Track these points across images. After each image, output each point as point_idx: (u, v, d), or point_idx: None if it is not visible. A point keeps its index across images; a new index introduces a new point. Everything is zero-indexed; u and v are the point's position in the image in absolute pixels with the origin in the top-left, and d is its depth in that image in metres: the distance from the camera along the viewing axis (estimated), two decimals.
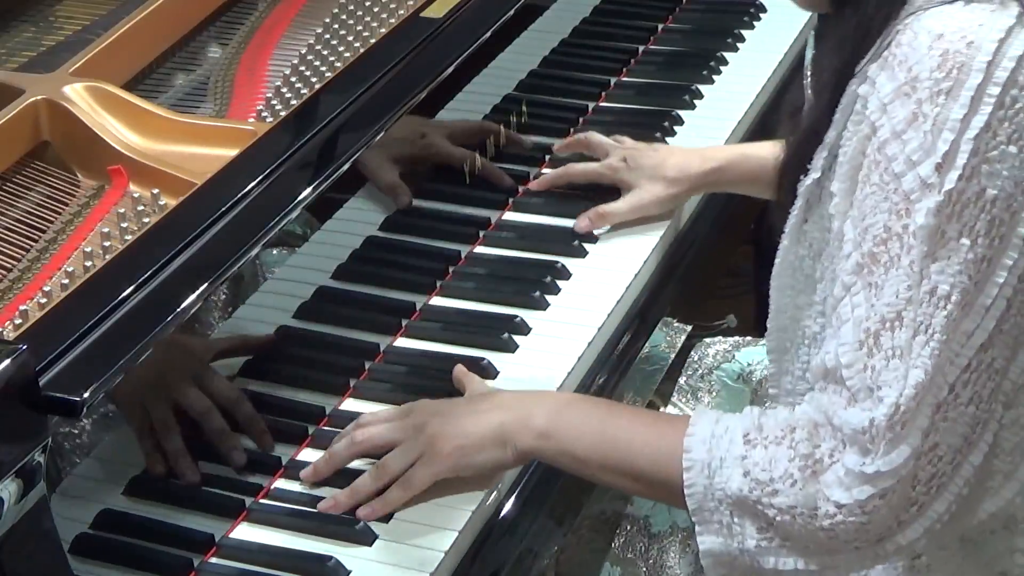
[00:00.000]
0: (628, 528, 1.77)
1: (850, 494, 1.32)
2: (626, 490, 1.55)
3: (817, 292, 1.45)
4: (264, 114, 1.80)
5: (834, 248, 1.38)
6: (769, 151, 1.81)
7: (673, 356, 1.93)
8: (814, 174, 1.43)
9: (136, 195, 1.64)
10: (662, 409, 1.90)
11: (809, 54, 1.55)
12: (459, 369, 1.67)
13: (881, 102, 1.32)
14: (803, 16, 2.46)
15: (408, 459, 1.51)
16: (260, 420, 1.58)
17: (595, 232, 1.95)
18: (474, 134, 2.01)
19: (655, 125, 2.16)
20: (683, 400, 1.90)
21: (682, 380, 1.94)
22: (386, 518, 1.52)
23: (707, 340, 1.98)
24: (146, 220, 1.60)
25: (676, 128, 2.18)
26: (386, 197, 1.86)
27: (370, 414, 1.59)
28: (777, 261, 1.51)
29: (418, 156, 1.92)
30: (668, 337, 1.94)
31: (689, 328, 2.00)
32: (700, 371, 1.94)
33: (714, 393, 1.91)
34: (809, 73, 1.52)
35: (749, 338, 1.98)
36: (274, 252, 1.66)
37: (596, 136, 2.05)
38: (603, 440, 1.47)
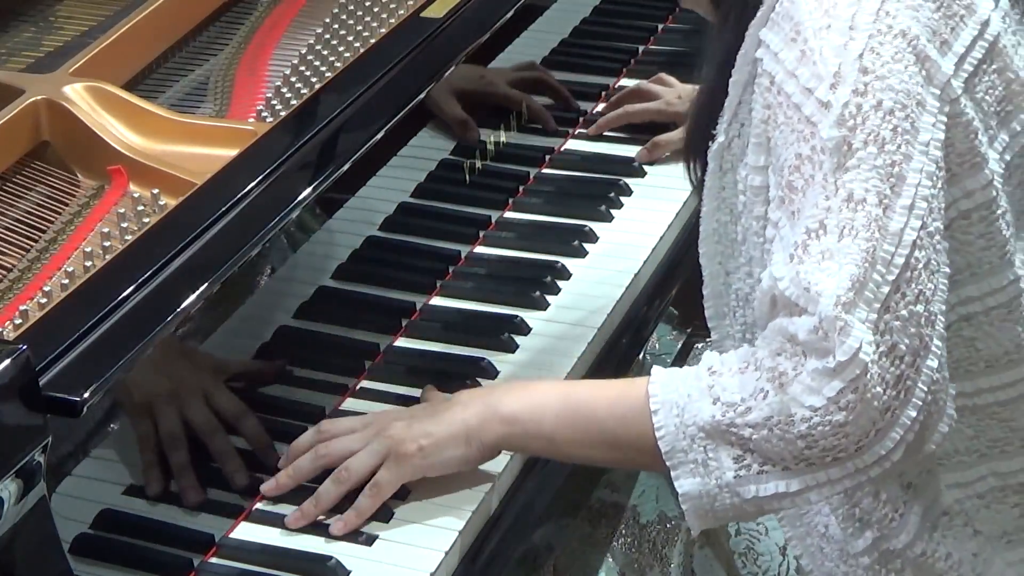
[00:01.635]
0: (617, 518, 1.77)
1: (821, 395, 1.32)
2: (600, 462, 1.54)
3: (741, 254, 1.48)
4: (264, 114, 1.80)
5: (751, 203, 1.44)
6: None
7: (673, 356, 1.93)
8: (720, 138, 1.49)
9: (136, 195, 1.65)
10: None
11: None
12: (426, 389, 1.65)
13: (773, 53, 1.40)
14: None
15: (371, 463, 1.50)
16: (266, 436, 1.57)
17: (626, 181, 2.03)
18: (523, 76, 2.10)
19: (655, 125, 2.16)
20: None
21: None
22: (386, 518, 1.52)
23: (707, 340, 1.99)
24: (146, 220, 1.60)
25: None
26: (384, 197, 1.86)
27: (329, 421, 1.58)
28: (701, 228, 1.55)
29: (479, 93, 2.00)
30: (668, 337, 1.94)
31: (689, 329, 2.00)
32: None
33: None
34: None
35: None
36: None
37: (647, 84, 2.17)
38: (568, 412, 1.46)
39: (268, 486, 1.54)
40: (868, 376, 1.31)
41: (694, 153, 1.56)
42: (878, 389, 1.32)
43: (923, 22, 1.40)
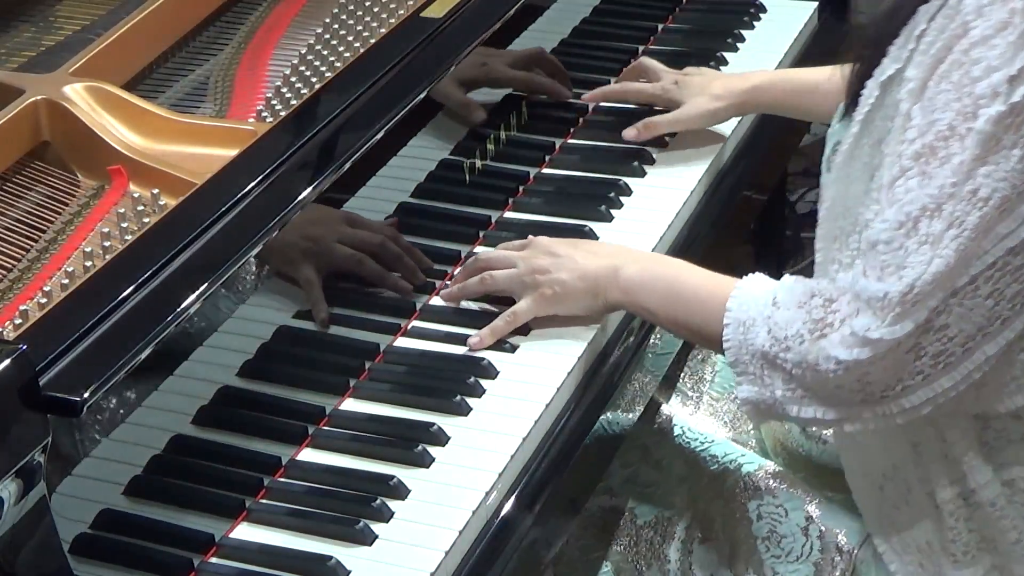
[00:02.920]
0: (616, 521, 1.79)
1: (850, 352, 1.44)
2: (687, 339, 1.75)
3: (873, 180, 1.49)
4: (264, 114, 1.80)
5: (897, 129, 1.45)
6: (810, 76, 2.02)
7: (675, 353, 1.93)
8: (895, 64, 1.48)
9: (136, 195, 1.65)
10: (663, 405, 1.91)
11: None
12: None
13: (979, 4, 1.39)
14: (803, 16, 2.47)
15: (511, 285, 1.76)
16: (411, 254, 1.81)
17: (626, 181, 2.05)
18: (528, 58, 2.12)
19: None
20: (684, 399, 1.90)
21: (683, 379, 1.95)
22: (386, 517, 1.52)
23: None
24: (146, 220, 1.60)
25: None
26: (384, 197, 1.86)
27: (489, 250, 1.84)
28: (842, 149, 1.55)
29: (482, 80, 2.03)
30: (668, 337, 1.94)
31: None
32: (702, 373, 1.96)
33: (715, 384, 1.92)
34: None
35: None
36: None
37: (649, 61, 2.18)
38: (670, 297, 1.67)
39: (446, 293, 1.81)
40: (899, 348, 1.42)
41: (860, 73, 1.54)
42: (909, 356, 1.42)
43: None
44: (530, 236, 1.82)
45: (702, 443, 1.81)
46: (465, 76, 1.96)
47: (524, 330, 1.78)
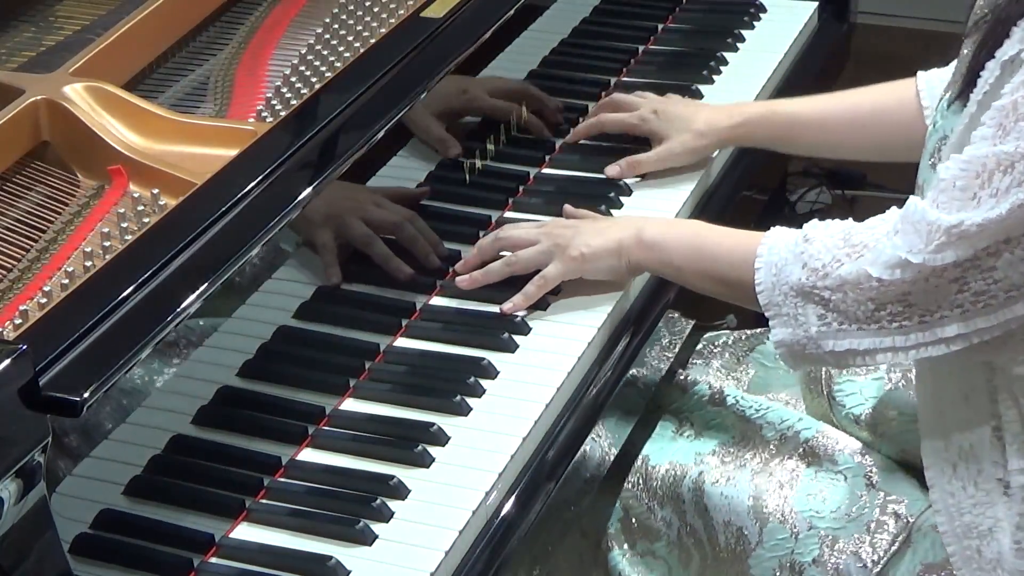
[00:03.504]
0: (627, 468, 1.81)
1: (891, 273, 1.48)
2: (714, 294, 1.74)
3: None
4: (264, 114, 1.80)
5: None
6: (798, 107, 2.01)
7: (677, 350, 1.94)
8: (1020, 45, 1.48)
9: (136, 195, 1.65)
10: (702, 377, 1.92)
11: None
12: (569, 208, 1.92)
13: None
14: (803, 16, 2.47)
15: (538, 258, 1.79)
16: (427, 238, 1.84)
17: (626, 181, 2.04)
18: (513, 92, 2.10)
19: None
20: (679, 415, 1.90)
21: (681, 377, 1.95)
22: (386, 517, 1.52)
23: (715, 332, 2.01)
24: (146, 220, 1.60)
25: None
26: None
27: (511, 225, 1.87)
28: (957, 130, 1.54)
29: (462, 111, 2.01)
30: (668, 338, 1.95)
31: (689, 328, 2.00)
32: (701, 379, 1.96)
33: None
34: None
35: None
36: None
37: (622, 95, 2.15)
38: (695, 250, 1.72)
39: (461, 265, 1.84)
40: (943, 276, 1.45)
41: (982, 53, 1.54)
42: (952, 286, 1.46)
43: None
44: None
45: (757, 409, 1.81)
46: (446, 106, 1.93)
47: (524, 330, 1.78)
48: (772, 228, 1.63)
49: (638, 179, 2.06)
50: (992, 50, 1.50)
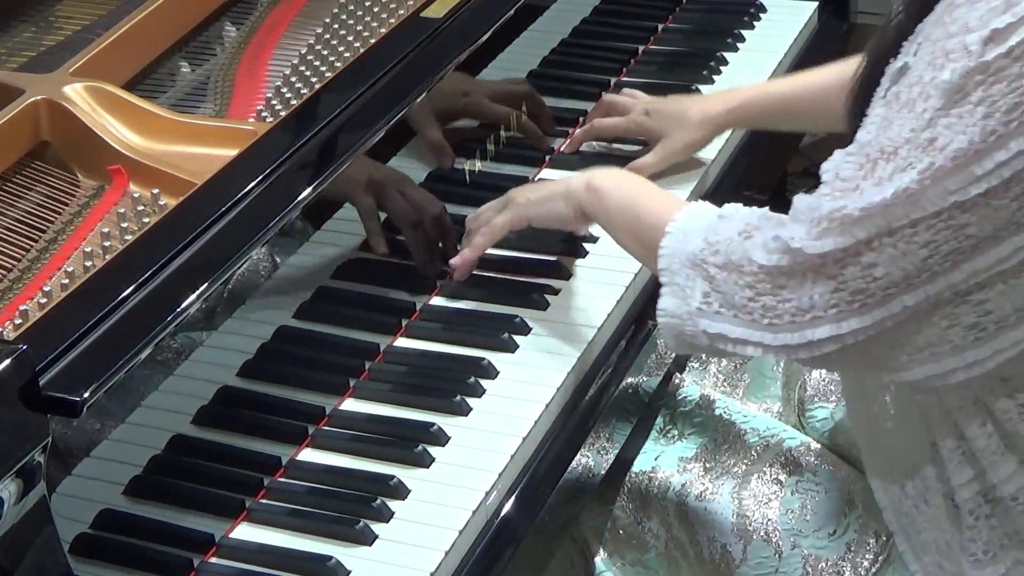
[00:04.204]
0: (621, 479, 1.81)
1: (769, 257, 1.45)
2: (634, 254, 1.72)
3: None
4: (264, 114, 1.80)
5: None
6: (791, 84, 2.01)
7: (671, 361, 1.93)
8: (905, 58, 1.48)
9: (136, 195, 1.65)
10: (691, 382, 1.92)
11: None
12: None
13: None
14: (803, 16, 2.47)
15: (492, 212, 1.82)
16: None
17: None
18: (513, 95, 2.10)
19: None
20: (672, 426, 1.89)
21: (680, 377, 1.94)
22: (386, 517, 1.52)
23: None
24: (146, 220, 1.60)
25: None
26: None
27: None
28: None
29: (461, 114, 2.00)
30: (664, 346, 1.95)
31: None
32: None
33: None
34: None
35: None
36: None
37: (612, 96, 2.14)
38: (627, 204, 1.69)
39: (456, 260, 1.84)
40: (819, 272, 1.42)
41: (866, 82, 1.55)
42: (829, 283, 1.42)
43: None
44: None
45: (744, 416, 1.81)
46: (445, 106, 1.94)
47: (524, 330, 1.78)
48: (694, 202, 1.61)
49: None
50: (884, 67, 1.51)
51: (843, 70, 1.90)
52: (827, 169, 1.44)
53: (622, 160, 2.06)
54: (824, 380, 1.82)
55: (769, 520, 1.69)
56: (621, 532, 1.79)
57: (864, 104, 1.51)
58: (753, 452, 1.76)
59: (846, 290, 1.41)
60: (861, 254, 1.40)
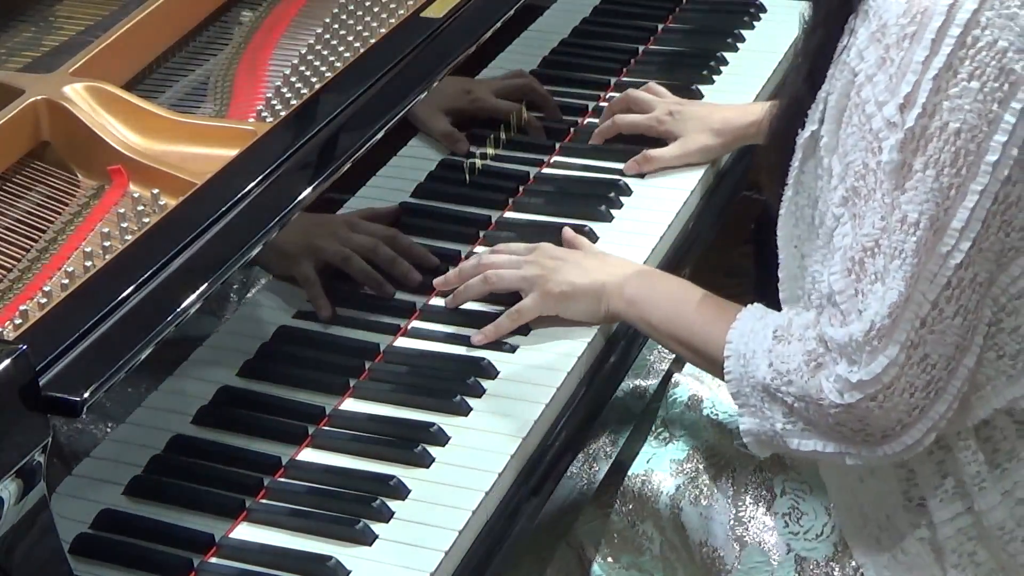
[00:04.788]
0: (619, 483, 1.80)
1: (842, 398, 1.45)
2: (685, 357, 1.73)
3: (819, 236, 1.52)
4: (264, 114, 1.80)
5: (825, 184, 1.49)
6: None
7: (669, 363, 1.93)
8: (811, 126, 1.52)
9: (136, 195, 1.65)
10: (683, 382, 1.91)
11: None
12: (568, 233, 1.90)
13: (859, 49, 1.44)
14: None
15: (518, 284, 1.78)
16: (411, 255, 1.83)
17: (626, 181, 2.05)
18: (517, 89, 2.10)
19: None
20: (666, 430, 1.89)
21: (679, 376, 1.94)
22: (386, 517, 1.52)
23: None
24: (146, 220, 1.60)
25: None
26: (384, 197, 1.86)
27: (494, 248, 1.85)
28: (781, 212, 1.59)
29: (466, 110, 2.00)
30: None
31: None
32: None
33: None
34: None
35: None
36: None
37: (637, 92, 2.16)
38: (671, 315, 1.69)
39: (439, 281, 1.82)
40: (891, 389, 1.44)
41: (782, 142, 1.58)
42: (904, 396, 1.44)
43: (1017, 31, 1.39)
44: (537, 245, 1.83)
45: (731, 415, 1.81)
46: (450, 106, 1.94)
47: (524, 330, 1.78)
48: (746, 309, 1.59)
49: (639, 178, 2.07)
50: (792, 136, 1.54)
51: None
52: (823, 294, 1.47)
53: (622, 154, 2.07)
54: None
55: (764, 525, 1.69)
56: (616, 535, 1.79)
57: (783, 175, 1.56)
58: (744, 451, 1.76)
59: (918, 390, 1.44)
60: (911, 356, 1.43)
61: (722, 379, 1.57)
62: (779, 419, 1.51)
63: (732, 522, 1.70)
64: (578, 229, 1.93)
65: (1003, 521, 1.55)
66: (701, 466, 1.76)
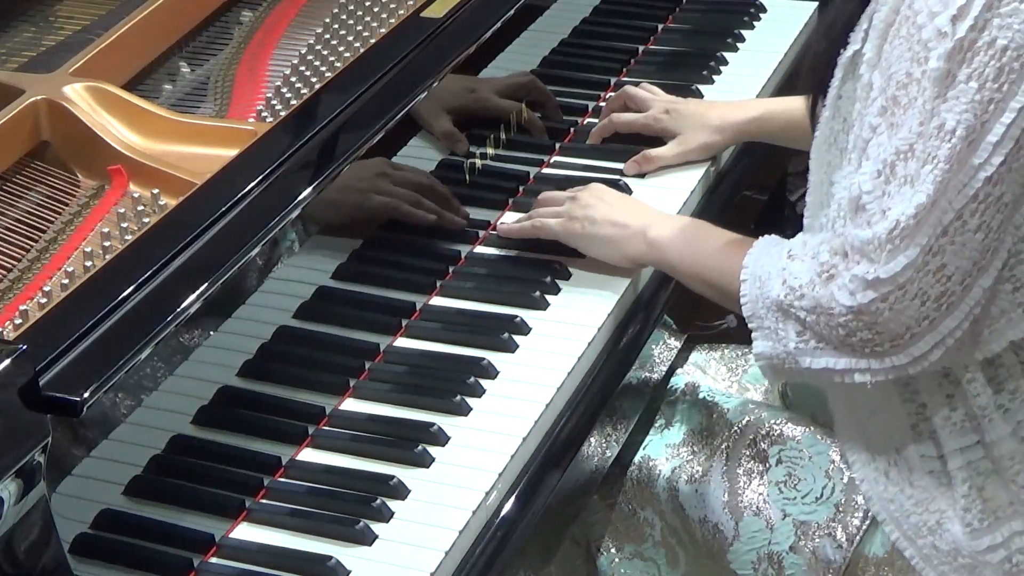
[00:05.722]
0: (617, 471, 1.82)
1: (855, 298, 1.49)
2: (704, 294, 1.75)
3: (850, 162, 1.55)
4: (264, 114, 1.80)
5: (861, 100, 1.52)
6: (800, 104, 1.98)
7: (672, 357, 1.94)
8: (854, 46, 1.55)
9: (136, 195, 1.65)
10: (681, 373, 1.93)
11: None
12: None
13: None
14: (803, 16, 2.47)
15: (556, 230, 1.85)
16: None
17: (626, 181, 2.05)
18: (520, 88, 2.11)
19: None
20: (672, 414, 1.90)
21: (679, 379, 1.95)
22: (386, 517, 1.52)
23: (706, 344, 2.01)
24: (146, 220, 1.60)
25: None
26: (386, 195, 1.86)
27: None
28: (816, 135, 1.63)
29: (469, 109, 2.01)
30: (668, 338, 1.95)
31: (687, 333, 2.00)
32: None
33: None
34: None
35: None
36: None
37: (634, 89, 2.16)
38: (691, 253, 1.74)
39: (503, 228, 1.92)
40: (904, 292, 1.47)
41: (820, 66, 1.61)
42: (916, 302, 1.47)
43: None
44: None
45: (727, 398, 1.82)
46: (453, 104, 1.94)
47: (524, 330, 1.78)
48: (761, 237, 1.64)
49: (639, 179, 2.07)
50: (834, 56, 1.57)
51: None
52: (850, 198, 1.50)
53: (622, 154, 2.07)
54: None
55: (758, 494, 1.71)
56: (619, 525, 1.80)
57: (817, 94, 1.59)
58: (736, 428, 1.78)
59: (930, 299, 1.47)
60: (928, 263, 1.46)
61: (740, 309, 1.60)
62: (792, 338, 1.55)
63: (727, 495, 1.72)
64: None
65: (1012, 452, 1.57)
66: (696, 447, 1.78)
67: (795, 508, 1.70)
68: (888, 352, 1.50)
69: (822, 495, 1.70)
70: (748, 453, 1.74)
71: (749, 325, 1.59)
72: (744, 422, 1.78)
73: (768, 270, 1.58)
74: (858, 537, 1.67)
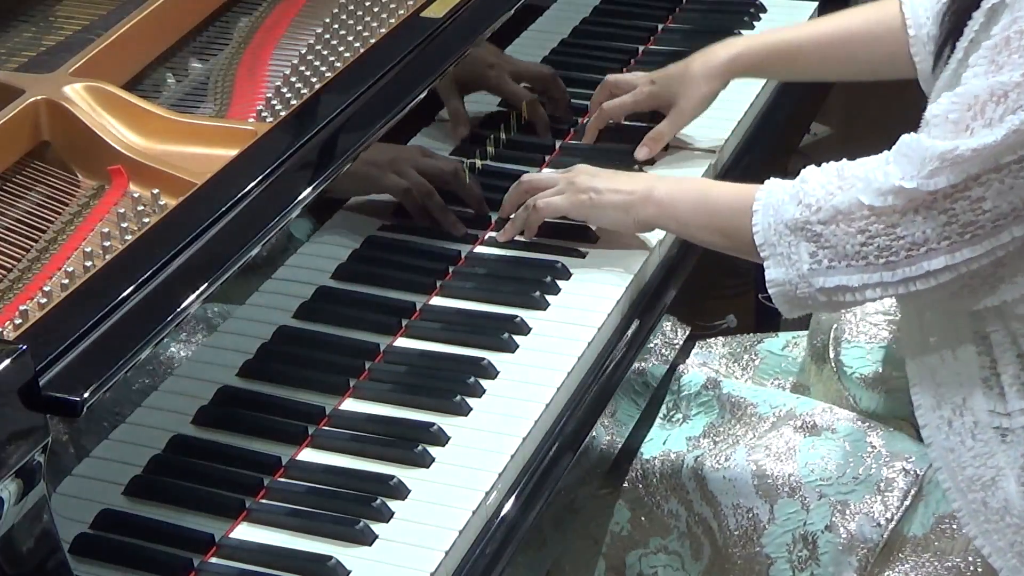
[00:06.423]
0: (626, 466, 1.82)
1: (884, 199, 1.51)
2: (716, 247, 1.77)
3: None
4: (264, 114, 1.80)
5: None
6: (793, 32, 2.04)
7: (673, 356, 1.94)
8: None
9: (136, 195, 1.65)
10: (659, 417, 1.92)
11: None
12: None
13: None
14: (803, 16, 2.47)
15: (550, 191, 1.85)
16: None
17: (653, 160, 2.07)
18: (537, 78, 2.12)
19: (655, 125, 2.16)
20: (676, 410, 1.90)
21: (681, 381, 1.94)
22: (386, 517, 1.52)
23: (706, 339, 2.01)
24: (146, 220, 1.60)
25: None
26: (384, 197, 1.86)
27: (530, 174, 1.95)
28: (944, 75, 1.61)
29: (480, 83, 2.02)
30: (668, 337, 1.95)
31: (688, 329, 2.00)
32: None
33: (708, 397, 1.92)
34: None
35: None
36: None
37: (615, 76, 2.15)
38: (699, 204, 1.75)
39: (501, 234, 1.91)
40: (934, 206, 1.48)
41: (959, 16, 1.60)
42: (942, 218, 1.49)
43: None
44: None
45: (755, 392, 1.83)
46: (469, 76, 1.95)
47: (524, 330, 1.78)
48: (768, 181, 1.65)
49: (646, 166, 2.06)
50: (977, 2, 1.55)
51: (871, 16, 1.93)
52: (936, 113, 1.50)
53: (621, 153, 2.07)
54: (858, 318, 1.85)
55: (791, 475, 1.70)
56: (643, 519, 1.80)
57: (950, 38, 1.58)
58: (766, 422, 1.77)
59: (957, 223, 1.49)
60: (970, 189, 1.48)
61: (754, 256, 1.62)
62: (805, 259, 1.56)
63: (758, 479, 1.71)
64: (579, 229, 1.93)
65: None
66: (718, 438, 1.78)
67: (831, 489, 1.70)
68: (902, 263, 1.52)
69: (860, 475, 1.70)
70: (779, 439, 1.74)
71: (761, 254, 1.60)
72: (777, 416, 1.78)
73: (781, 197, 1.60)
74: (899, 515, 1.67)
